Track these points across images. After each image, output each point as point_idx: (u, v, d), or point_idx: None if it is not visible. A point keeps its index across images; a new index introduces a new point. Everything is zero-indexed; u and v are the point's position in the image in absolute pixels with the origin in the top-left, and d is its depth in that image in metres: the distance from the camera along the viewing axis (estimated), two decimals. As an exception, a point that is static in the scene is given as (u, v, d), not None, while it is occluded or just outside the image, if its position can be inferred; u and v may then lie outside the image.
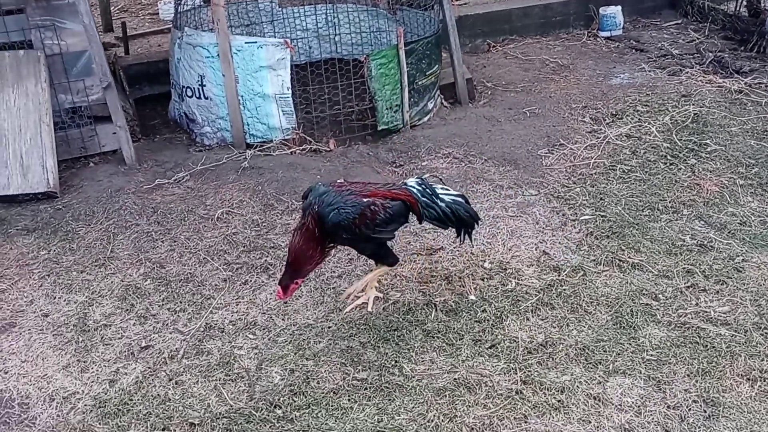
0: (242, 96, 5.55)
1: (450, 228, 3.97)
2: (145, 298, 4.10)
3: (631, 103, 6.14)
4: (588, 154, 5.44)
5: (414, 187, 3.82)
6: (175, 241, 4.55)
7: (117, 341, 3.80)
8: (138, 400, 3.43)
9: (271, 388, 3.47)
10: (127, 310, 4.02)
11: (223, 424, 3.27)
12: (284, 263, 3.65)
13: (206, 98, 5.68)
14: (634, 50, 7.51)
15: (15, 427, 3.33)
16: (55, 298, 4.12)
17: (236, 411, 3.33)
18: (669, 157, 5.32)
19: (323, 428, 3.22)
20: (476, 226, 4.00)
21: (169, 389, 3.48)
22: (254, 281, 4.21)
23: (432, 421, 3.24)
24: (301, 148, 5.57)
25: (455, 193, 3.96)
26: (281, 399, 3.39)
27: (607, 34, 7.92)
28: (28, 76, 5.19)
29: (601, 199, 4.89)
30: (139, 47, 7.66)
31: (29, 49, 5.35)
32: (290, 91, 5.52)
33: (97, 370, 3.62)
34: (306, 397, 3.40)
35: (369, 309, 3.90)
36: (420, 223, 3.96)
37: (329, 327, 3.85)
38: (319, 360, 3.62)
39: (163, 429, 3.25)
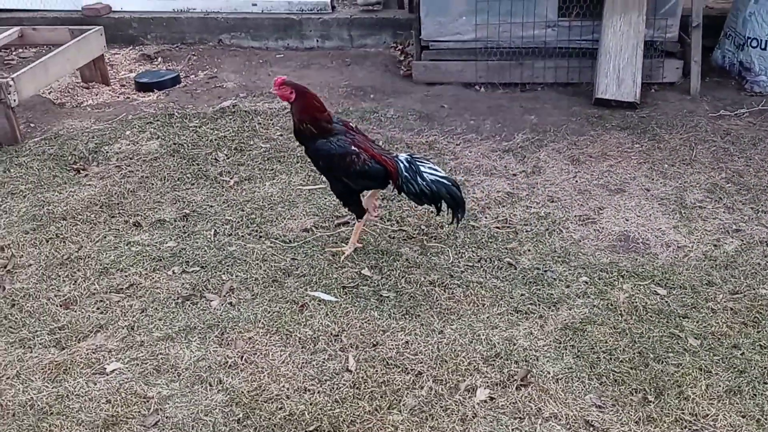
0: (813, 52, 6.13)
1: (427, 205, 4.33)
2: (729, 196, 5.02)
3: None
4: None
5: (401, 162, 4.22)
6: (750, 159, 5.40)
7: (711, 220, 4.79)
8: (740, 263, 4.37)
9: None
10: (716, 201, 4.99)
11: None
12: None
13: (772, 50, 6.37)
14: None
15: (645, 255, 4.49)
16: (652, 179, 5.26)
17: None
18: None
19: None
20: (460, 209, 4.25)
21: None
22: (827, 205, 4.88)
23: None
24: None
25: (443, 174, 4.24)
26: None
27: None
28: (632, 7, 6.38)
29: None
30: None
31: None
32: None
33: (700, 236, 4.64)
34: None
35: (342, 259, 4.36)
36: (399, 194, 4.40)
37: None
38: None
39: None
